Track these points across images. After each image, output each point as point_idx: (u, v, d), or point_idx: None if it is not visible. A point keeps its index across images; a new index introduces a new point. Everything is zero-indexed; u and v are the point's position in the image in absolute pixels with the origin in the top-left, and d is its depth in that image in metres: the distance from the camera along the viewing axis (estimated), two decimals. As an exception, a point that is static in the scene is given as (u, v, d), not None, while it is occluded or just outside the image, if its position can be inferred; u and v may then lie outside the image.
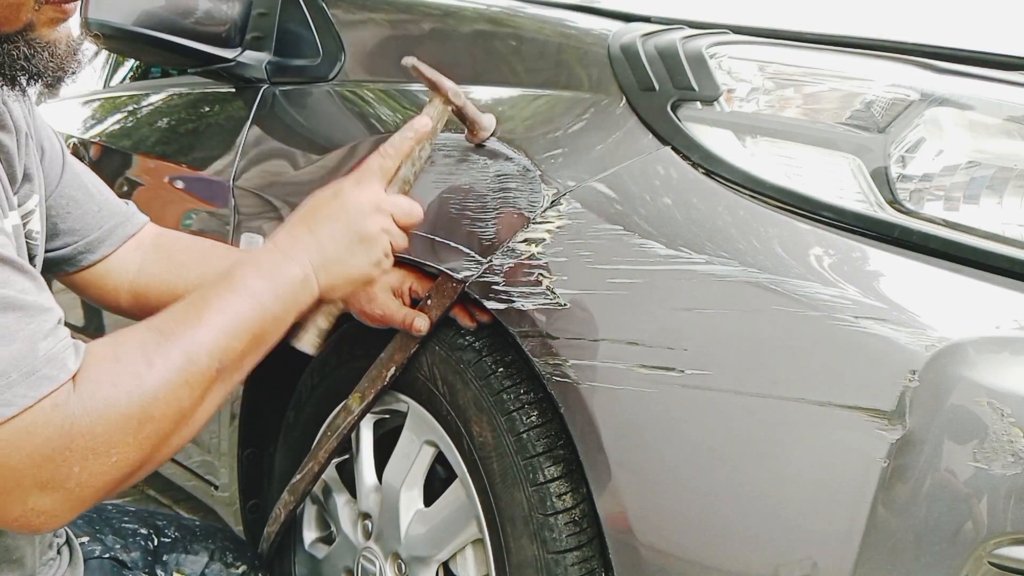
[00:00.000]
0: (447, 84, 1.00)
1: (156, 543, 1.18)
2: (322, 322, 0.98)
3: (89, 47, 0.90)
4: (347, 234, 0.90)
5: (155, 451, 0.77)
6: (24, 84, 0.81)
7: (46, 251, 1.03)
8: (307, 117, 1.42)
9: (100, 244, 1.10)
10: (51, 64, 0.80)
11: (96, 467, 0.72)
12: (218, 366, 0.79)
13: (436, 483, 1.18)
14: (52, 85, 0.82)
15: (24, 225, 0.92)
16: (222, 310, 0.81)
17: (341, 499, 1.31)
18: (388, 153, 0.95)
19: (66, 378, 0.71)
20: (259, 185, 1.41)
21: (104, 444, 0.72)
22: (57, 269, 1.10)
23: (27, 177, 0.94)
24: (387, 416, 1.24)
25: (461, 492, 1.09)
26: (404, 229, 0.95)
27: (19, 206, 0.91)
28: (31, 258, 0.95)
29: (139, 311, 1.15)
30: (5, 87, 0.81)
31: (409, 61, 1.00)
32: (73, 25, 0.84)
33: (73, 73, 0.83)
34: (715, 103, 0.94)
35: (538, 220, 0.96)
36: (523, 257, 0.96)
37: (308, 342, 0.98)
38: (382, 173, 0.94)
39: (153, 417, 0.75)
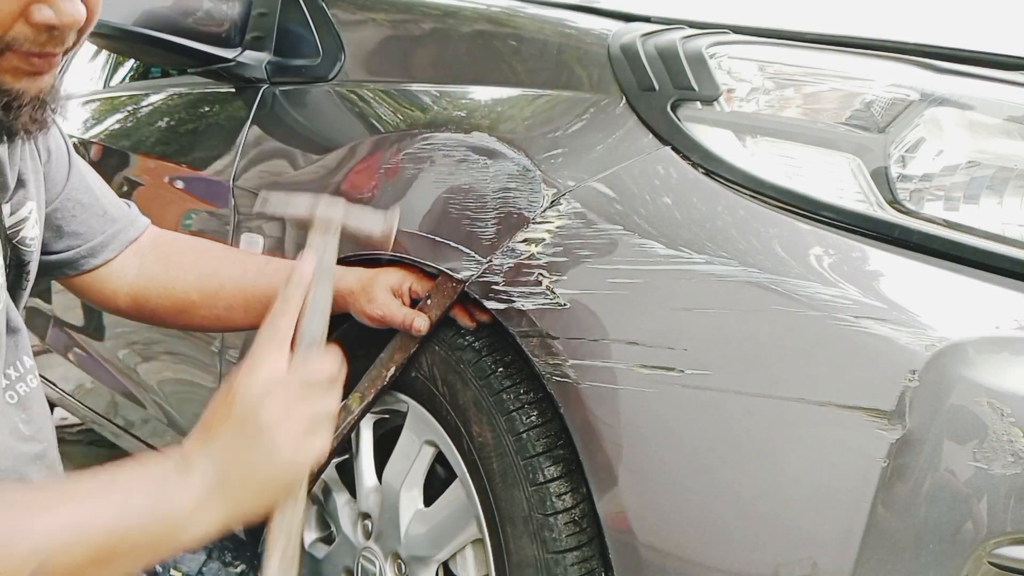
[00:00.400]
0: (315, 213, 0.89)
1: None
2: (284, 542, 0.77)
3: (68, 98, 0.79)
4: (243, 438, 0.74)
5: None
6: None
7: (47, 254, 1.03)
8: (307, 117, 1.42)
9: (103, 249, 1.09)
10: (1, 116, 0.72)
11: None
12: (34, 568, 0.65)
13: (436, 483, 1.18)
14: (6, 139, 0.76)
15: (17, 233, 0.91)
16: (77, 510, 0.68)
17: (341, 499, 1.31)
18: (276, 319, 0.80)
19: None
20: (259, 185, 1.41)
21: None
22: (58, 272, 1.09)
23: (20, 183, 0.92)
24: (387, 416, 1.24)
25: (461, 492, 1.09)
26: (333, 384, 0.80)
27: (11, 214, 0.90)
28: (24, 264, 0.94)
29: (137, 313, 1.15)
30: None
31: (260, 202, 0.90)
32: (53, 78, 0.74)
33: (33, 132, 0.75)
34: (715, 103, 0.94)
35: (538, 220, 0.96)
36: (523, 257, 0.96)
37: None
38: (276, 342, 0.79)
39: None
